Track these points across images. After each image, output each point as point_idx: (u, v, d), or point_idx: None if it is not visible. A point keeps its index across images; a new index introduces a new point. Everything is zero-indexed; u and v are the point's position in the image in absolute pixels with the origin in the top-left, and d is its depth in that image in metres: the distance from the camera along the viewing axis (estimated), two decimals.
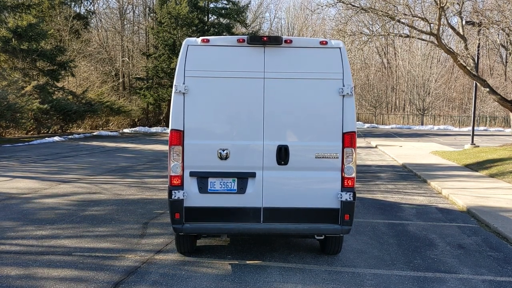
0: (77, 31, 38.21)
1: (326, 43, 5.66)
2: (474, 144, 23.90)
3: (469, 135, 25.64)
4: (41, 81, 30.21)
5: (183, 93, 5.55)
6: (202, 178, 5.64)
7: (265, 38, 5.60)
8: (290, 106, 5.65)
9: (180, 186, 5.59)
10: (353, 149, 5.60)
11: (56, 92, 31.51)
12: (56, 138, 26.20)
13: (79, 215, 8.50)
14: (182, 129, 5.56)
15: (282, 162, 5.61)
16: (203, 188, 5.63)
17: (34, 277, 5.46)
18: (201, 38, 5.67)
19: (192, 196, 5.61)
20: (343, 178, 5.63)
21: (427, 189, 12.27)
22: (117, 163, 16.25)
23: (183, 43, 5.68)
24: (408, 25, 20.91)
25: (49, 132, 30.77)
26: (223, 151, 5.60)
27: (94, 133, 31.99)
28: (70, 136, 28.37)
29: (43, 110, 27.75)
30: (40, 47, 29.78)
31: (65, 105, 29.67)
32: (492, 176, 14.33)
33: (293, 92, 5.63)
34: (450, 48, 21.32)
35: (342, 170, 5.63)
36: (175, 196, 5.55)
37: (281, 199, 5.67)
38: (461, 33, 21.05)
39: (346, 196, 5.61)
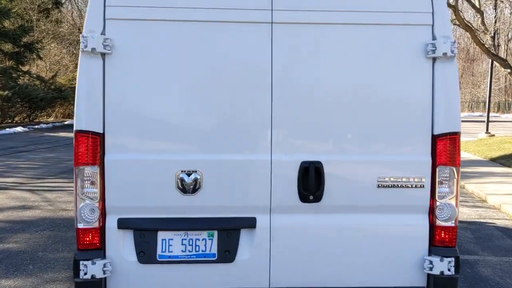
0: (47, 10, 34.75)
1: None
2: (489, 133, 21.26)
3: (473, 121, 23.07)
4: (6, 64, 27.08)
5: (103, 55, 2.67)
6: (144, 232, 2.78)
7: None
8: (322, 83, 2.80)
9: (98, 250, 2.73)
10: (453, 169, 2.77)
11: (22, 77, 28.45)
12: (19, 129, 23.46)
13: None
14: (101, 131, 2.70)
15: (311, 197, 2.76)
16: (146, 253, 2.77)
17: None
18: None
19: (124, 270, 2.75)
20: (433, 227, 2.81)
21: (464, 194, 9.61)
22: None
23: None
24: None
25: (14, 121, 27.71)
26: (188, 175, 2.74)
27: (65, 122, 29.19)
28: (36, 126, 25.53)
29: (4, 97, 24.69)
30: (2, 27, 26.55)
31: (29, 92, 26.60)
32: None
33: (330, 54, 2.78)
34: (469, 22, 18.69)
35: (432, 211, 2.81)
36: (85, 274, 2.69)
37: (309, 273, 2.82)
38: (477, 6, 18.99)
39: (441, 266, 2.79)
